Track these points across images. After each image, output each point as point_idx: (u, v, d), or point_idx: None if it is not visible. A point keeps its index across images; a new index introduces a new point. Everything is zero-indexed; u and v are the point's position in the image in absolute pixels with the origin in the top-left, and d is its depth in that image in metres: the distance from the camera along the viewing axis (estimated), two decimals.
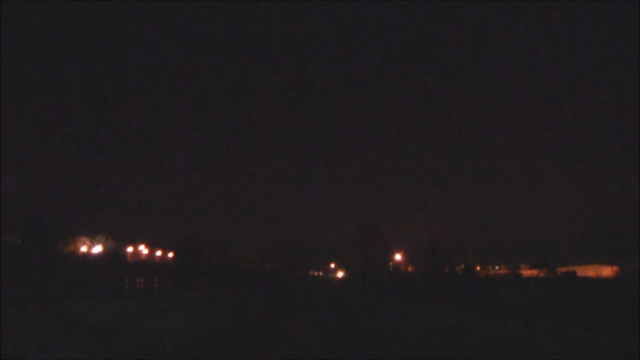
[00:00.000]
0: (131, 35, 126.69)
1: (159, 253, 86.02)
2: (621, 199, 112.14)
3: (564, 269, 72.51)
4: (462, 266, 72.04)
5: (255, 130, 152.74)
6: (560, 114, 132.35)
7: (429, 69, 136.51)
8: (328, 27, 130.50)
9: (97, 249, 62.79)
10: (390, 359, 12.59)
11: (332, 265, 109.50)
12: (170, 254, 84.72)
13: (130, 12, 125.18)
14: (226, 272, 73.46)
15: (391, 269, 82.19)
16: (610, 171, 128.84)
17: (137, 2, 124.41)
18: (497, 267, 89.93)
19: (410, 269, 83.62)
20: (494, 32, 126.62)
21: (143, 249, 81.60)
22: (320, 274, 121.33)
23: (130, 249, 77.61)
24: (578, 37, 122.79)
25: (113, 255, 62.12)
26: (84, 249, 61.89)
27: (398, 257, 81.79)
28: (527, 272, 77.15)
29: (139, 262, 74.09)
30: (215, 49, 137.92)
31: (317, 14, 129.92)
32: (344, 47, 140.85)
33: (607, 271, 67.55)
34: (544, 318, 23.06)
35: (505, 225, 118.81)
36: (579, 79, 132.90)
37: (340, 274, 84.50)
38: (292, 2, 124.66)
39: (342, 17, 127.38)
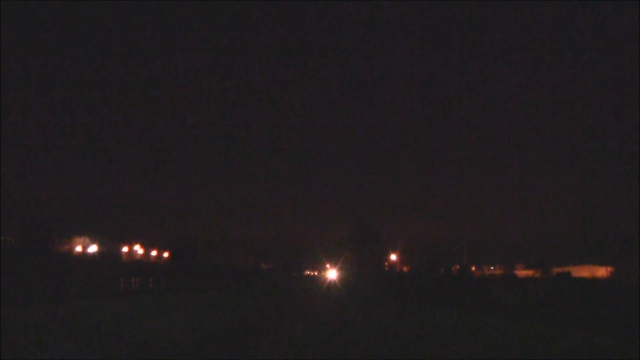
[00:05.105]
0: (131, 35, 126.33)
1: (154, 253, 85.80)
2: (619, 200, 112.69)
3: (558, 270, 72.73)
4: (458, 266, 72.13)
5: (252, 130, 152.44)
6: (559, 114, 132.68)
7: (429, 69, 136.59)
8: (328, 26, 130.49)
9: (92, 248, 62.61)
10: (390, 359, 12.63)
11: (327, 265, 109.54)
12: (166, 254, 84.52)
13: (130, 11, 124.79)
14: (221, 273, 73.37)
15: (386, 268, 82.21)
16: (608, 172, 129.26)
17: (137, 2, 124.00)
18: (492, 268, 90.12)
19: (405, 269, 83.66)
20: (495, 32, 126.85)
21: (138, 249, 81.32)
22: (315, 273, 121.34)
23: (125, 249, 77.37)
24: (578, 37, 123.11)
25: (108, 255, 61.92)
26: (78, 248, 61.70)
27: (393, 257, 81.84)
28: (522, 273, 77.37)
29: (134, 262, 73.82)
30: (214, 48, 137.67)
31: (317, 13, 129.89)
32: (344, 46, 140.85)
33: (601, 272, 67.80)
34: (540, 318, 23.18)
35: (501, 225, 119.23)
36: (579, 79, 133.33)
37: (333, 274, 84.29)
38: (292, 2, 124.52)
39: (342, 17, 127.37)
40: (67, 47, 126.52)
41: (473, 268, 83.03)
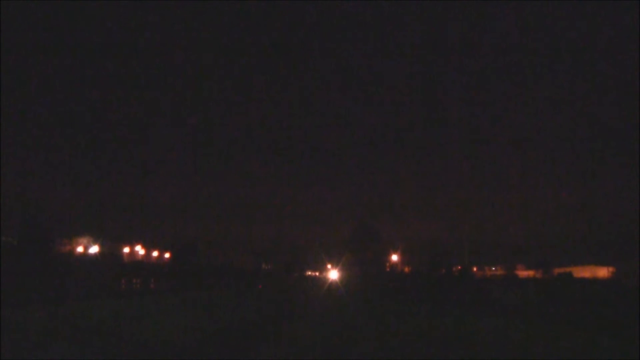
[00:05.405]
0: (131, 35, 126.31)
1: (155, 253, 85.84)
2: (620, 201, 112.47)
3: (560, 270, 72.75)
4: (459, 267, 72.21)
5: (253, 130, 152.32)
6: (559, 114, 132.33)
7: (428, 69, 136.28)
8: (328, 26, 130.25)
9: (94, 249, 62.66)
10: (390, 359, 12.64)
11: (329, 266, 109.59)
12: (167, 255, 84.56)
13: (130, 11, 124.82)
14: (222, 273, 73.46)
15: (388, 269, 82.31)
16: (609, 172, 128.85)
17: (137, 2, 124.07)
18: (493, 268, 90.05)
19: (407, 269, 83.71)
20: (495, 32, 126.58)
21: (139, 250, 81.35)
22: (317, 274, 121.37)
23: (126, 249, 77.40)
24: (578, 37, 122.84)
25: (109, 256, 61.96)
26: (80, 249, 61.77)
27: (395, 257, 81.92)
28: (523, 273, 77.36)
29: (135, 262, 73.91)
30: (214, 48, 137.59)
31: (317, 13, 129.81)
32: (344, 46, 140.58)
33: (602, 272, 67.83)
34: (541, 319, 23.15)
35: (502, 226, 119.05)
36: (579, 79, 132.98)
37: (334, 275, 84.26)
38: (292, 2, 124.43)
39: (342, 17, 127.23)
40: (67, 47, 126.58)
41: (474, 269, 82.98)
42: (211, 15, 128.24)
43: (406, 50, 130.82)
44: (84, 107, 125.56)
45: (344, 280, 73.03)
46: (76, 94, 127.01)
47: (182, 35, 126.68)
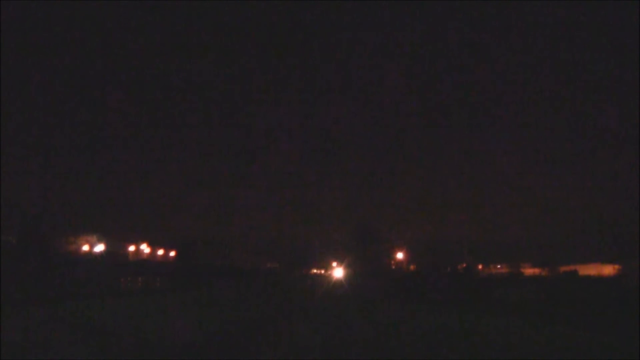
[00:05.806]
0: (131, 35, 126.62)
1: (160, 252, 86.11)
2: (622, 198, 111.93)
3: (565, 268, 72.46)
4: (464, 265, 72.00)
5: (255, 130, 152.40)
6: (560, 113, 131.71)
7: (429, 69, 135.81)
8: (328, 27, 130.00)
9: (99, 247, 62.89)
10: (392, 358, 12.56)
11: (334, 264, 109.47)
12: (172, 253, 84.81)
13: (131, 12, 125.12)
14: (227, 272, 73.57)
15: (393, 267, 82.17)
16: (611, 170, 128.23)
17: (138, 2, 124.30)
18: (498, 266, 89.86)
19: (412, 267, 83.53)
20: (494, 32, 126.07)
21: (145, 248, 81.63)
22: (322, 272, 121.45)
23: (132, 248, 77.67)
24: (578, 37, 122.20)
25: (113, 255, 62.19)
26: (85, 247, 62.00)
27: (400, 255, 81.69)
28: (529, 271, 77.14)
29: (140, 261, 74.19)
30: (214, 48, 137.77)
31: (317, 13, 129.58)
32: (344, 47, 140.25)
33: (608, 270, 67.44)
34: (545, 318, 23.02)
35: (508, 224, 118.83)
36: (578, 79, 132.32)
37: (339, 273, 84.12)
38: (292, 2, 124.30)
39: (342, 17, 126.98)
40: (67, 47, 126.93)
41: (480, 267, 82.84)
42: (211, 15, 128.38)
43: (406, 50, 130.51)
44: (84, 107, 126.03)
45: (348, 278, 73.03)
46: (76, 94, 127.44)
47: (182, 35, 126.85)
